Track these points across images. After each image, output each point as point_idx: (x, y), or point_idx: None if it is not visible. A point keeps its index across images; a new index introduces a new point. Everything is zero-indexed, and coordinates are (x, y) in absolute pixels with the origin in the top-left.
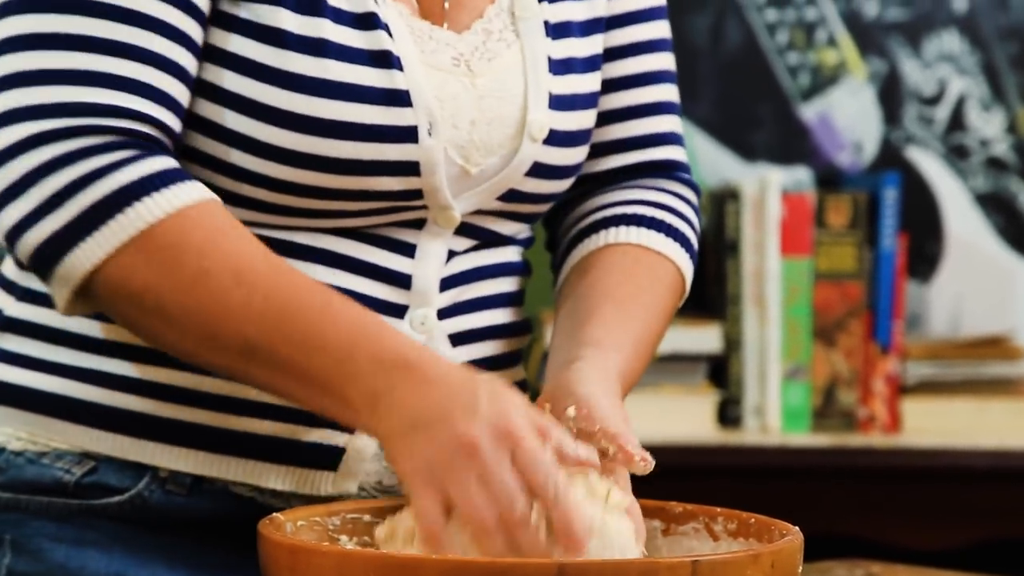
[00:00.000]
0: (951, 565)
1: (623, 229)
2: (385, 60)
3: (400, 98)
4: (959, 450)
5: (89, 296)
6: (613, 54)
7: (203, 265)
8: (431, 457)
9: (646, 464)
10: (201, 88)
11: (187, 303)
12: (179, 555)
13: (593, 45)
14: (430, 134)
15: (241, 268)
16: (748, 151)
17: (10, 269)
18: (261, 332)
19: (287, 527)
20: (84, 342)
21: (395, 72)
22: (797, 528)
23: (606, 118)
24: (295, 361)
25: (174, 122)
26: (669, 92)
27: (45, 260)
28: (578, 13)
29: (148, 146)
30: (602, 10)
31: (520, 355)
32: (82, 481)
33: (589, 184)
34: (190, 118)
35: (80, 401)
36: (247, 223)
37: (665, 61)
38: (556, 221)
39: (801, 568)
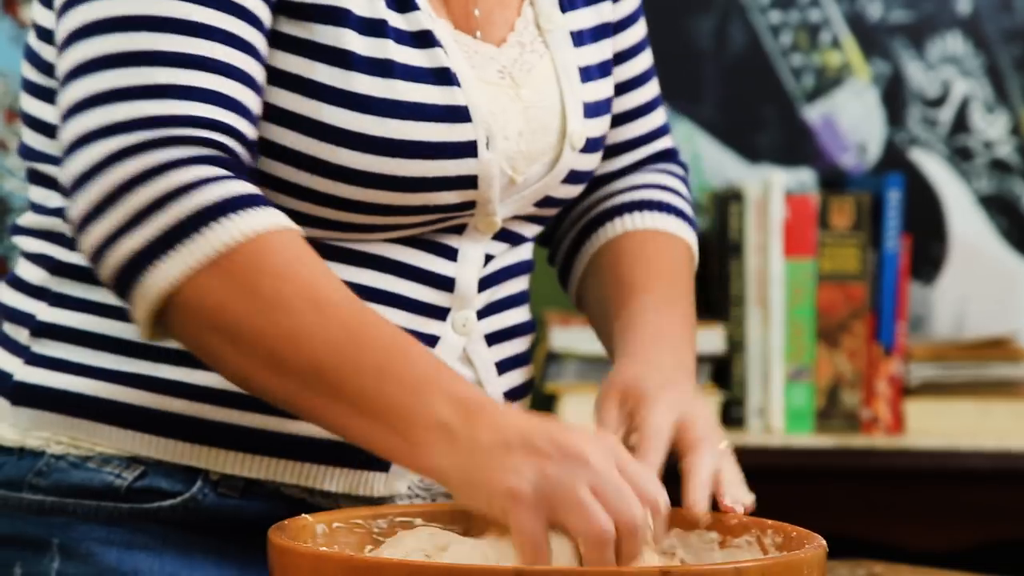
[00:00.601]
0: (954, 566)
1: (637, 215)
2: (445, 77)
3: (460, 114)
4: (962, 451)
5: (166, 319)
6: (622, 57)
7: (280, 289)
8: (537, 472)
9: (745, 509)
10: (267, 110)
11: (261, 324)
12: (229, 557)
13: (603, 51)
14: (488, 147)
15: (318, 296)
16: (752, 153)
17: (37, 275)
18: (332, 358)
19: (317, 529)
20: (126, 346)
21: (455, 89)
22: (820, 541)
23: (621, 119)
24: (363, 390)
25: (248, 128)
26: (657, 86)
27: (126, 279)
28: (588, 20)
29: (226, 160)
30: (608, 15)
31: (532, 353)
32: (134, 485)
33: (595, 187)
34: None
35: (126, 405)
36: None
37: (650, 57)
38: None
39: None
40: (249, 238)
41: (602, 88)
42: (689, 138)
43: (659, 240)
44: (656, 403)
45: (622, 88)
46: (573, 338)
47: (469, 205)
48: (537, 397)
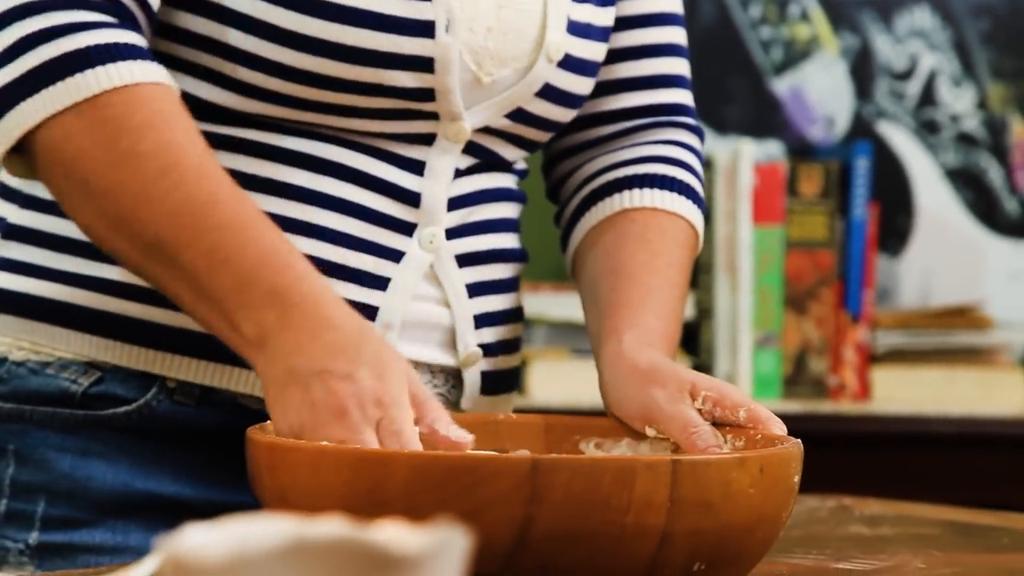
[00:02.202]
0: None
1: (636, 192)
2: None
3: None
4: (927, 417)
5: (28, 160)
6: None
7: (136, 147)
8: (301, 416)
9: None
10: None
11: (110, 181)
12: (185, 467)
13: None
14: (447, 31)
15: (171, 161)
16: (721, 125)
17: (12, 177)
18: (170, 231)
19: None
20: (90, 250)
21: None
22: (798, 440)
23: (618, 56)
24: (196, 271)
25: None
26: (679, 35)
27: None
28: None
29: (116, 12)
30: None
31: (518, 281)
32: (89, 391)
33: (596, 124)
34: (206, 5)
35: (87, 309)
36: (260, 116)
37: (676, 4)
38: (559, 170)
39: (799, 479)
40: (117, 88)
41: (597, 14)
42: None
43: (662, 222)
44: (721, 384)
45: (634, 23)
46: (542, 304)
47: (428, 95)
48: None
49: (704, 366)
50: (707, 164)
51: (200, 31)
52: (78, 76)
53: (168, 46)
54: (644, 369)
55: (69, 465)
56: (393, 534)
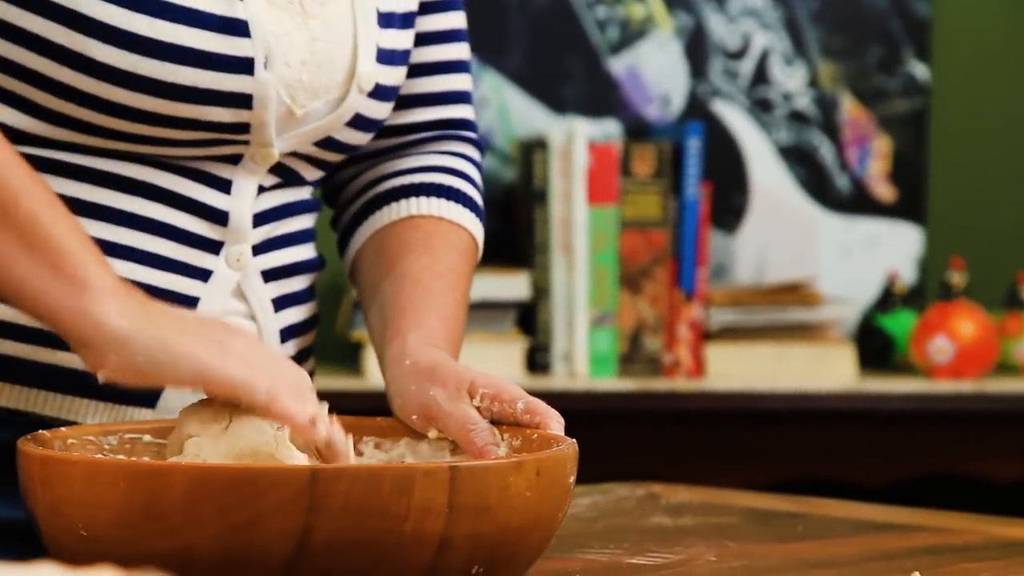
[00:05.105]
0: None
1: (423, 200)
2: None
3: (239, 28)
4: (759, 393)
5: None
6: (430, 8)
7: None
8: (243, 351)
9: (560, 426)
10: (35, 5)
11: None
12: None
13: (409, 2)
14: (266, 67)
15: None
16: (558, 104)
17: None
18: (4, 182)
19: (55, 445)
20: None
21: (235, 1)
22: (573, 440)
23: (419, 71)
24: (36, 220)
25: None
26: (465, 51)
27: None
28: None
29: None
30: None
31: (315, 290)
32: None
33: (384, 137)
34: (21, 35)
35: None
36: (66, 146)
37: (461, 20)
38: (338, 176)
39: (574, 479)
40: None
41: (401, 38)
42: (496, 89)
43: (446, 230)
44: (499, 380)
45: (426, 40)
46: None
47: (243, 128)
48: (344, 345)
49: (541, 345)
50: (543, 144)
51: (11, 57)
52: None
53: None
54: (425, 368)
55: None
56: None
